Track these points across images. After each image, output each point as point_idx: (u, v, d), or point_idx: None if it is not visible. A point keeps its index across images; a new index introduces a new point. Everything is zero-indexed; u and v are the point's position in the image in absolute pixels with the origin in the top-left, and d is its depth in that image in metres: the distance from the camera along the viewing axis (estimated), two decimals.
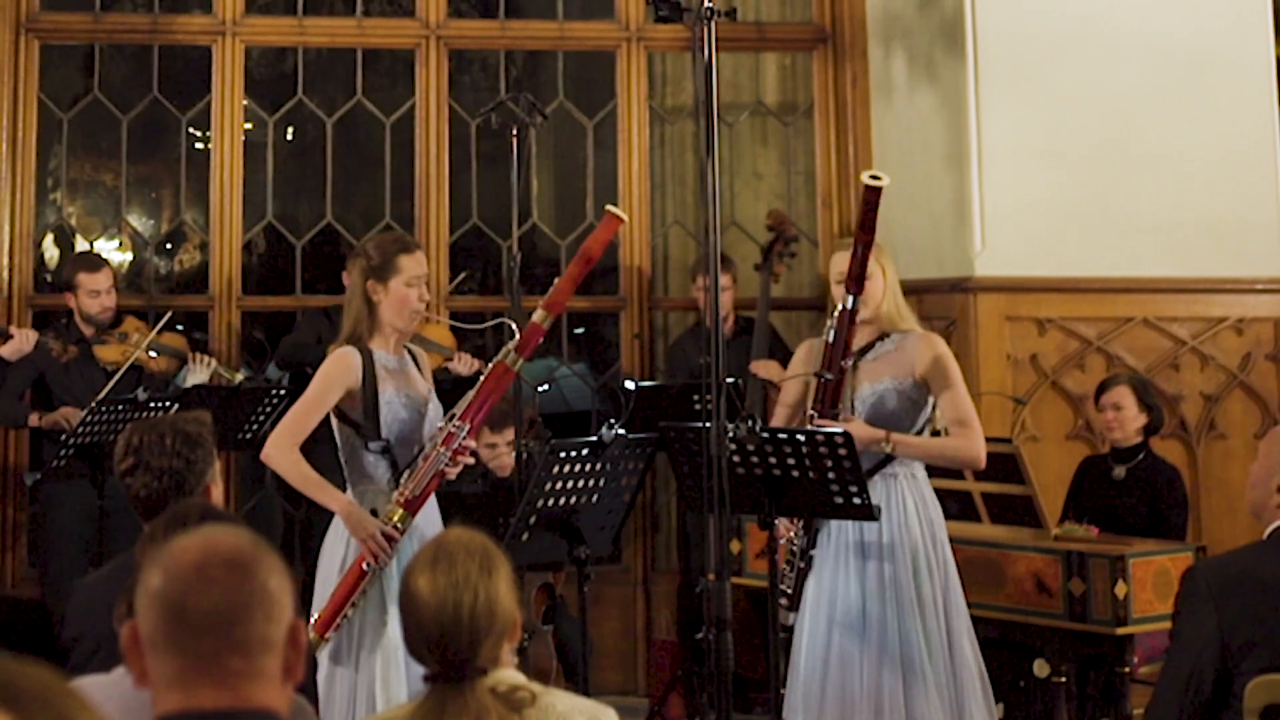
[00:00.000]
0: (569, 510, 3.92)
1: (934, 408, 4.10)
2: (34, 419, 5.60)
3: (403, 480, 3.89)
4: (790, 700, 3.99)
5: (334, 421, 3.98)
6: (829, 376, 3.99)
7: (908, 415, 4.06)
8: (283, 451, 3.88)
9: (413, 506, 3.85)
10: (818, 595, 4.05)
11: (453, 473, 3.90)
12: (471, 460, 3.96)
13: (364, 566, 3.81)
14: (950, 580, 4.06)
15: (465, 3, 8.30)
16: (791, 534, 4.05)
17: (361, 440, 3.93)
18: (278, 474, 4.02)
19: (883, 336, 4.10)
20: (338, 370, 3.92)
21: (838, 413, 3.99)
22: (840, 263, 4.07)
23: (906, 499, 4.05)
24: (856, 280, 3.98)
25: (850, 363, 4.03)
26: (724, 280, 5.90)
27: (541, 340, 4.05)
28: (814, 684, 4.00)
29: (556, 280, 4.04)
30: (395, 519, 3.82)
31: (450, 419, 3.90)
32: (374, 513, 3.87)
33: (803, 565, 4.05)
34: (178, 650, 1.69)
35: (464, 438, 3.88)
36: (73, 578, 5.33)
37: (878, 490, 3.99)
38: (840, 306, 3.99)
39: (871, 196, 3.96)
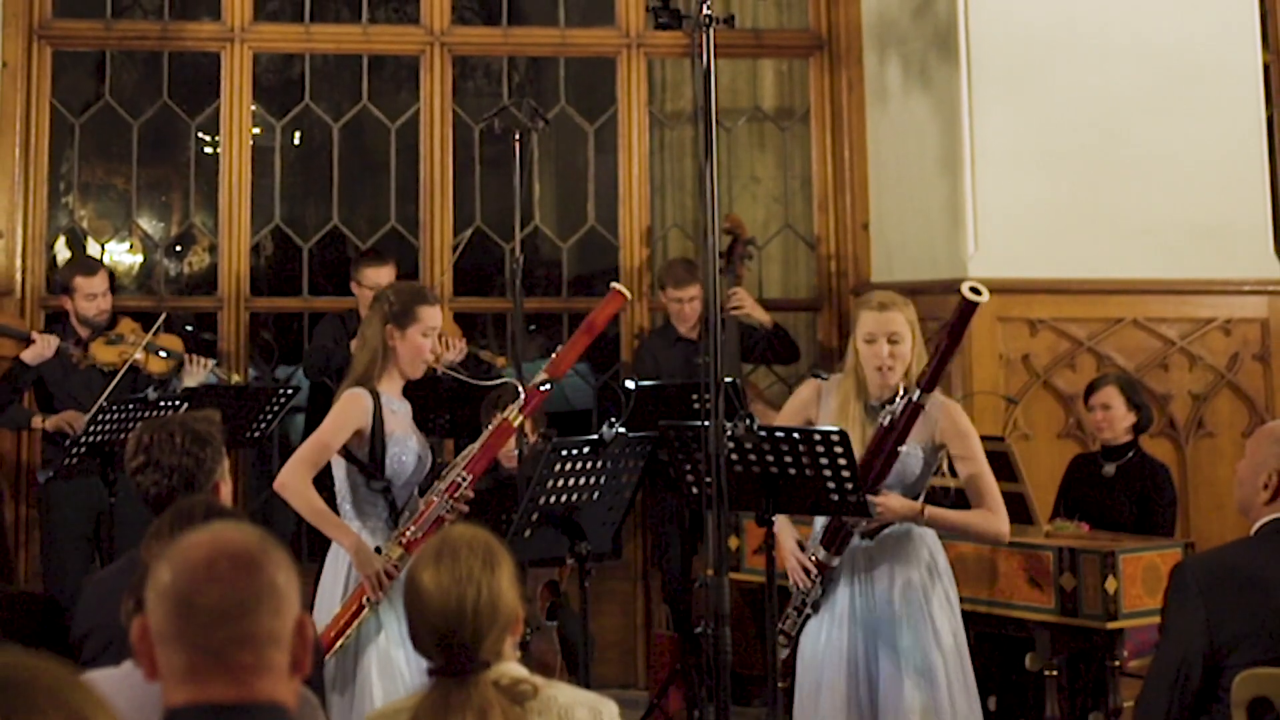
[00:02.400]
0: (570, 507, 3.92)
1: (939, 467, 4.04)
2: (38, 422, 5.59)
3: (401, 520, 4.03)
4: (799, 700, 3.99)
5: (335, 457, 4.06)
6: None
7: (921, 475, 4.01)
8: (298, 483, 3.97)
9: (413, 548, 3.92)
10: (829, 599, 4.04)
11: (451, 519, 3.97)
12: (467, 509, 4.04)
13: (364, 601, 3.91)
14: (949, 589, 4.04)
15: (469, 10, 8.31)
16: (808, 586, 3.98)
17: (364, 478, 4.03)
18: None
19: (896, 395, 3.97)
20: (353, 411, 4.02)
21: (878, 490, 3.92)
22: (873, 323, 3.94)
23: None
24: (933, 381, 3.88)
25: (904, 449, 3.92)
26: (694, 290, 5.89)
27: (543, 402, 4.25)
28: (809, 683, 4.00)
29: (560, 348, 4.26)
30: (395, 558, 3.92)
31: (454, 469, 4.03)
32: (378, 550, 3.96)
33: (810, 613, 4.01)
34: (187, 644, 1.69)
35: (466, 488, 4.01)
36: (74, 575, 5.32)
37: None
38: (911, 400, 3.86)
39: (968, 309, 3.84)
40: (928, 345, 4.05)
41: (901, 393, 3.92)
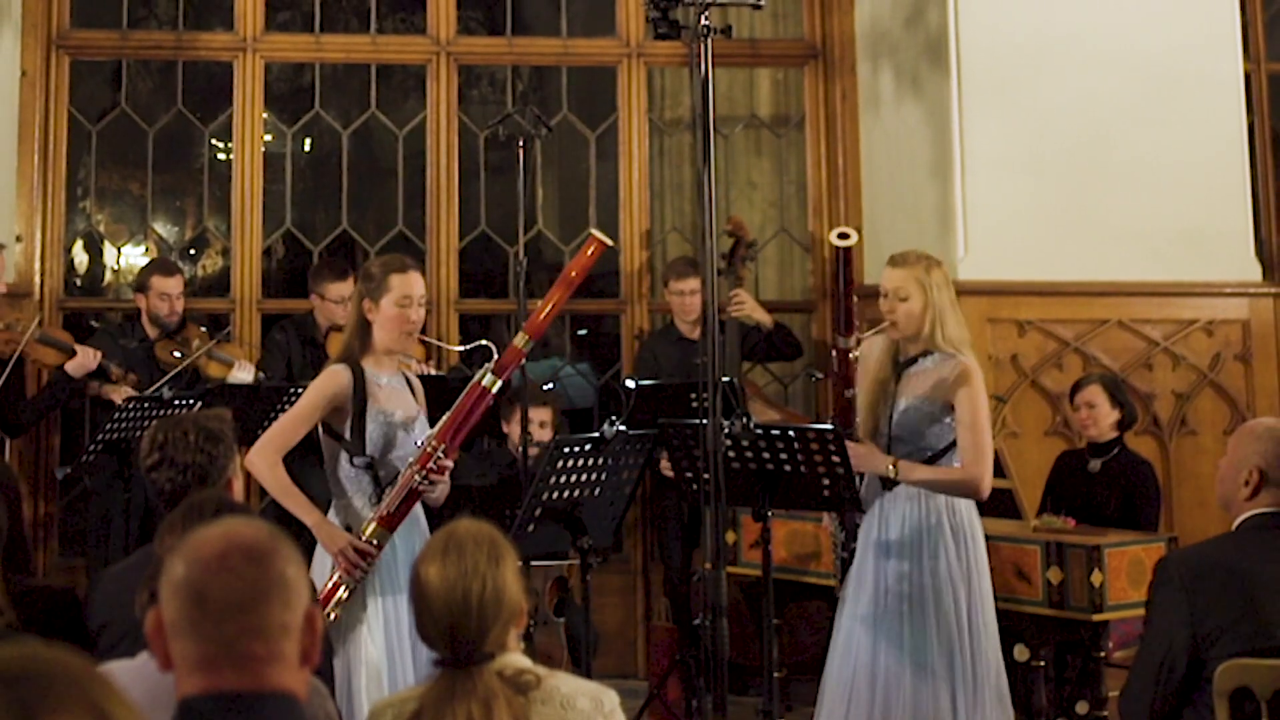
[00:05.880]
0: (572, 503, 3.91)
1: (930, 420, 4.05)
2: (94, 387, 5.56)
3: (384, 496, 3.84)
4: (823, 692, 4.01)
5: (321, 435, 3.92)
6: (848, 397, 3.99)
7: (933, 432, 3.98)
8: (265, 460, 3.80)
9: (389, 523, 3.79)
10: (847, 593, 4.04)
11: (430, 491, 3.84)
12: (447, 481, 3.87)
13: (338, 579, 3.76)
14: (974, 585, 3.99)
15: (474, 21, 8.30)
16: (831, 528, 4.08)
17: (347, 456, 3.87)
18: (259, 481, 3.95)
19: (926, 353, 4.00)
20: (327, 386, 3.87)
21: (852, 433, 3.95)
22: (883, 279, 4.03)
23: (930, 504, 3.98)
24: (845, 324, 3.97)
25: (852, 393, 4.01)
26: (695, 284, 5.91)
27: (521, 361, 3.98)
28: (831, 678, 4.01)
29: (538, 304, 3.96)
30: (368, 533, 3.78)
31: (428, 440, 3.83)
32: (348, 528, 3.82)
33: (845, 555, 4.06)
34: (199, 636, 1.69)
35: (440, 457, 3.80)
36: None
37: (902, 493, 3.97)
38: (835, 344, 4.00)
39: (842, 255, 3.94)
40: None
41: (924, 352, 3.99)
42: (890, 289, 3.98)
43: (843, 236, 3.95)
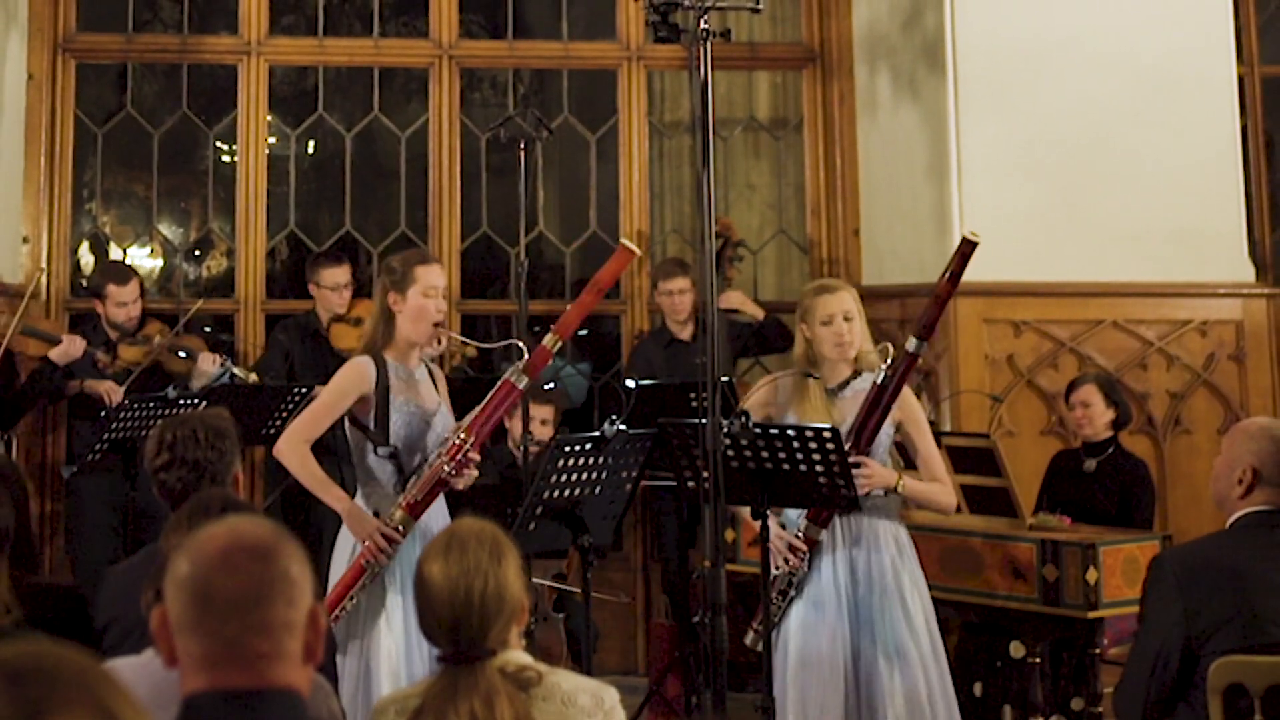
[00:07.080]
0: (573, 501, 3.91)
1: (892, 442, 4.11)
2: (75, 386, 5.57)
3: (409, 485, 3.90)
4: (784, 677, 3.99)
5: (346, 425, 3.98)
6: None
7: (883, 448, 4.05)
8: (294, 449, 3.90)
9: (415, 510, 3.85)
10: (814, 586, 4.03)
11: (457, 483, 3.89)
12: (475, 473, 3.93)
13: (363, 563, 3.82)
14: (919, 570, 4.07)
15: (476, 24, 8.30)
16: (793, 566, 3.99)
17: (371, 445, 3.93)
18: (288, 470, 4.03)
19: (857, 374, 4.06)
20: (351, 378, 3.93)
21: (870, 451, 3.96)
22: (831, 304, 4.01)
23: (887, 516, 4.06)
24: (929, 328, 3.94)
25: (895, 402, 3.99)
26: (684, 284, 5.92)
27: (550, 361, 4.04)
28: (794, 661, 3.99)
29: (569, 307, 4.04)
30: (395, 519, 3.83)
31: (456, 432, 3.90)
32: (376, 514, 3.88)
33: (795, 595, 4.03)
34: (204, 633, 1.69)
35: (469, 450, 3.86)
36: (102, 567, 5.32)
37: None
38: (907, 351, 3.94)
39: (967, 250, 3.92)
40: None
41: (855, 374, 4.02)
42: (841, 311, 4.01)
43: (974, 234, 3.95)
